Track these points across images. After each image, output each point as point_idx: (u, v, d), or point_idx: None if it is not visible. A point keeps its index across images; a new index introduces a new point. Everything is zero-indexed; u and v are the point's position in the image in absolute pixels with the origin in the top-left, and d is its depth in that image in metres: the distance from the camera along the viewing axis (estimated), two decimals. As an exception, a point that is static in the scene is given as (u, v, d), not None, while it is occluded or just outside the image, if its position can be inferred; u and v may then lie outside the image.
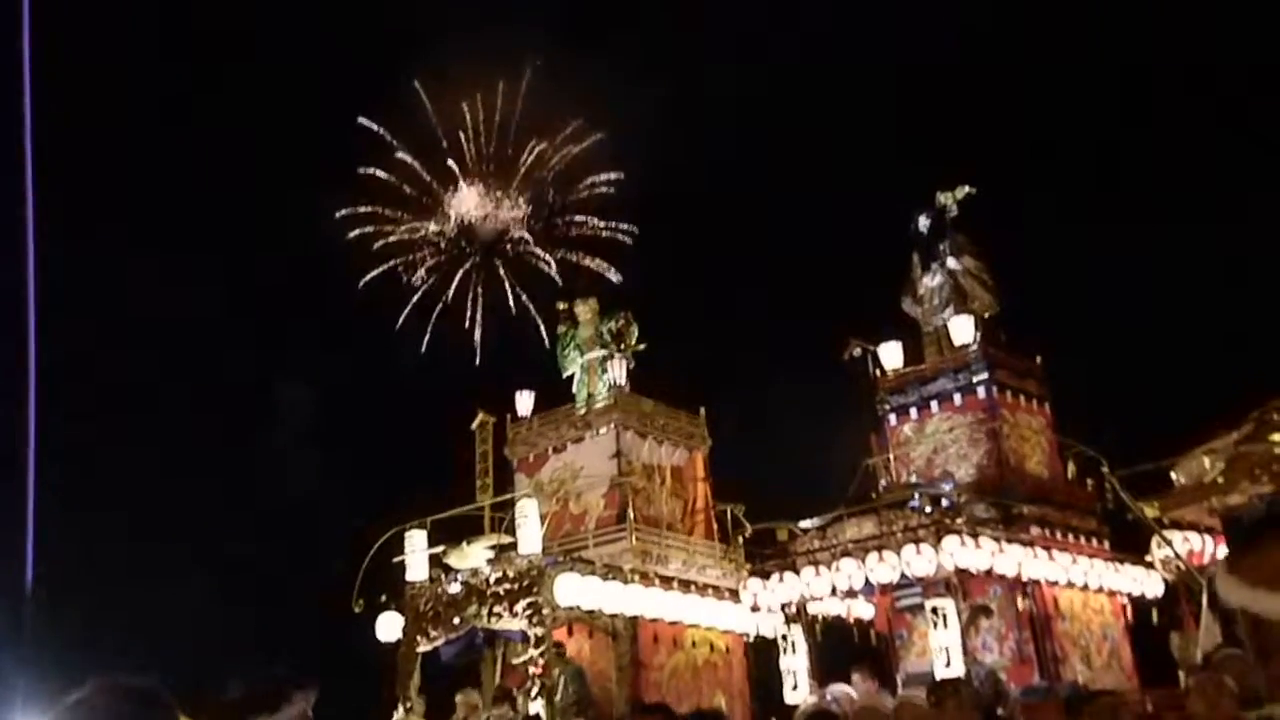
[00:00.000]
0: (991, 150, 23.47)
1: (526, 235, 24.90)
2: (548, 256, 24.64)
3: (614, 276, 23.66)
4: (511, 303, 24.48)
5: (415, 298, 24.29)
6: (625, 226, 24.53)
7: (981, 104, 25.46)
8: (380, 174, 24.51)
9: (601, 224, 24.61)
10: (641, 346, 16.57)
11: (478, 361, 24.00)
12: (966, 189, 15.88)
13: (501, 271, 24.77)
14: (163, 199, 25.43)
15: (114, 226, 23.12)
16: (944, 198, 15.84)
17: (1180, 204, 22.25)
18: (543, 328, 19.51)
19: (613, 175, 24.75)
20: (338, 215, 24.34)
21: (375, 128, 24.43)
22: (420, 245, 25.01)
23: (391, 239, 24.61)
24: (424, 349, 24.20)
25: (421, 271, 24.55)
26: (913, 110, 24.98)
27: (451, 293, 24.53)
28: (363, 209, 24.52)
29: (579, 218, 24.72)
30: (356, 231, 24.45)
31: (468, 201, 24.85)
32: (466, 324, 24.51)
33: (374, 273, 24.24)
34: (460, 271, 24.68)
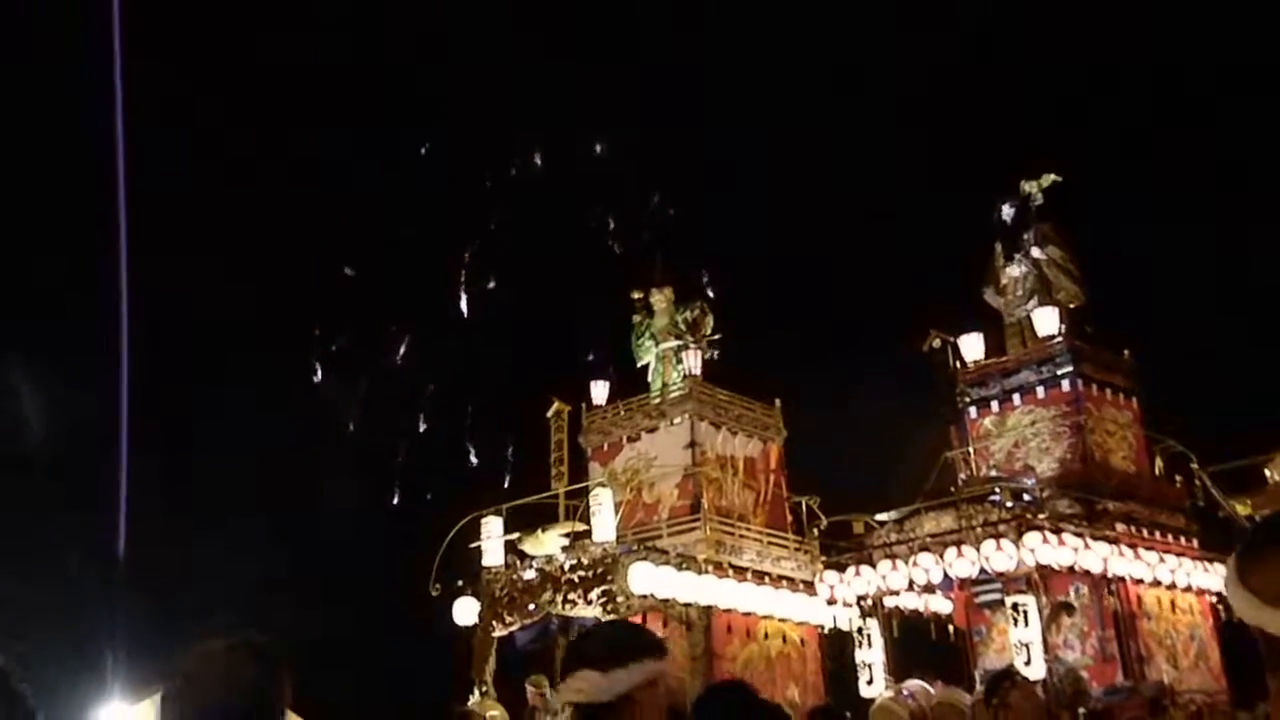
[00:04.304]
0: (1078, 137, 22.91)
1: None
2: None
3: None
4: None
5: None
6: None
7: (1072, 87, 24.87)
8: None
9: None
10: (717, 336, 16.51)
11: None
12: (1052, 177, 15.51)
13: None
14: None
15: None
16: (1028, 186, 15.49)
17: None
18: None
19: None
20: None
21: None
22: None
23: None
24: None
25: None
26: (998, 97, 24.45)
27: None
28: None
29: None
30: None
31: None
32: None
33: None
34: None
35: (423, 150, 25.60)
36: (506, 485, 15.23)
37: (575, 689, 2.35)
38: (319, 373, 25.12)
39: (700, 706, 3.13)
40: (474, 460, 23.36)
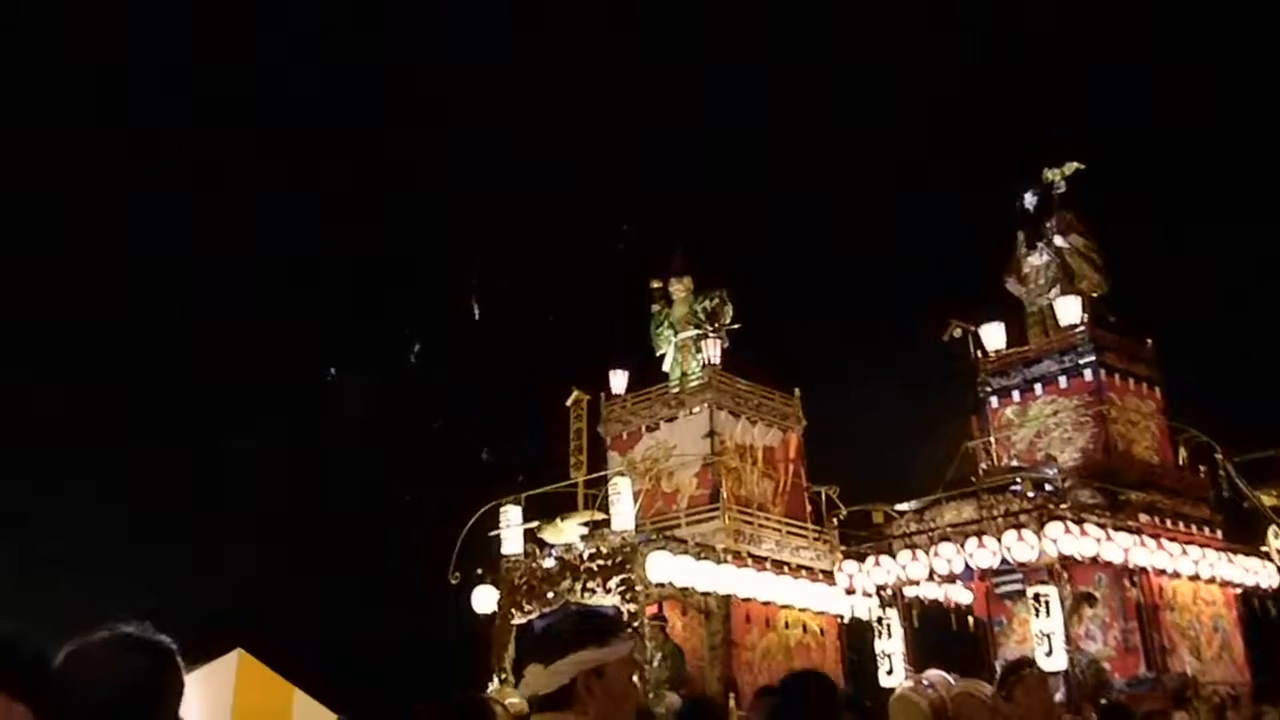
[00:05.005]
0: (1103, 125, 22.69)
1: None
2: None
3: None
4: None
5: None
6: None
7: (1092, 77, 24.64)
8: None
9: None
10: (736, 325, 16.44)
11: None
12: (1075, 165, 15.36)
13: None
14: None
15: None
16: (1051, 174, 15.35)
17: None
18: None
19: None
20: None
21: None
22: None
23: None
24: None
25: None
26: (1021, 82, 24.24)
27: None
28: None
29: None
30: None
31: None
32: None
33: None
34: None
35: (431, 149, 25.65)
36: (525, 474, 15.19)
37: (525, 684, 2.41)
38: (334, 368, 25.23)
39: (785, 692, 3.19)
40: (493, 449, 23.40)
